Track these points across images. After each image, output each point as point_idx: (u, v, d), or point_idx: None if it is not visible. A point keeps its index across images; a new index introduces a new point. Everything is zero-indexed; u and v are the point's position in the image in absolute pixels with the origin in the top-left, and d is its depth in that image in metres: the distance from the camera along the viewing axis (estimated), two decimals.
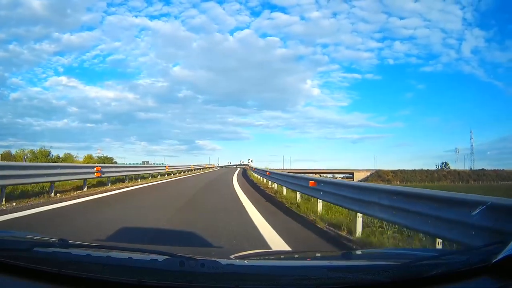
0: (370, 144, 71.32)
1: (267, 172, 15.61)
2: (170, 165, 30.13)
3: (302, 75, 75.79)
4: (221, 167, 68.39)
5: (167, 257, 1.23)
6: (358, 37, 56.92)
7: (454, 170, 69.38)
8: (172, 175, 26.33)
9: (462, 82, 56.24)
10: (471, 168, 69.20)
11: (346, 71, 72.47)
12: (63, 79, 74.92)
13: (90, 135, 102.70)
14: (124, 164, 31.64)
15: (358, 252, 3.05)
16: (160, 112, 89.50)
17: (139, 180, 17.42)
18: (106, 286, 1.15)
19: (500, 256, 1.19)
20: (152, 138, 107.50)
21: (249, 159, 39.95)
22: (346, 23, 56.48)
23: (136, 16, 63.00)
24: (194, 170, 39.99)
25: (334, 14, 56.89)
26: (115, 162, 45.80)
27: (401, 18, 51.34)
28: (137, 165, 31.42)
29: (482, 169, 68.53)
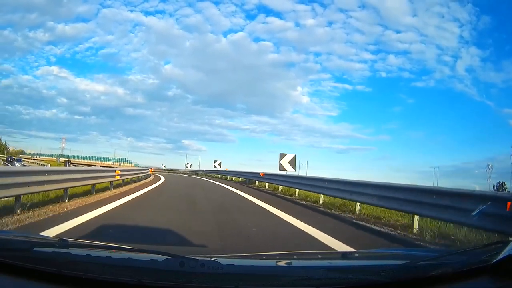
0: (355, 156, 70.94)
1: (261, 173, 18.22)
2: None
3: (292, 82, 75.58)
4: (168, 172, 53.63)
5: (167, 257, 1.23)
6: (352, 47, 56.37)
7: None
8: None
9: (453, 100, 55.92)
10: None
11: (337, 81, 71.78)
12: (55, 69, 72.28)
13: (77, 127, 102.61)
14: None
15: (358, 252, 3.05)
16: (149, 109, 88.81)
17: None
18: (106, 286, 1.14)
19: (500, 256, 1.19)
20: (139, 134, 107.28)
21: (215, 161, 33.28)
22: (341, 33, 55.87)
23: (132, 11, 62.37)
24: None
25: (330, 23, 56.30)
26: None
27: (397, 32, 50.81)
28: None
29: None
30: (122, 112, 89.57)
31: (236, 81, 75.72)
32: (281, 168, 16.87)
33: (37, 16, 75.17)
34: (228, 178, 26.83)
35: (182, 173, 49.87)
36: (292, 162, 17.04)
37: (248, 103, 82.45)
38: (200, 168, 49.27)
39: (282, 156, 17.02)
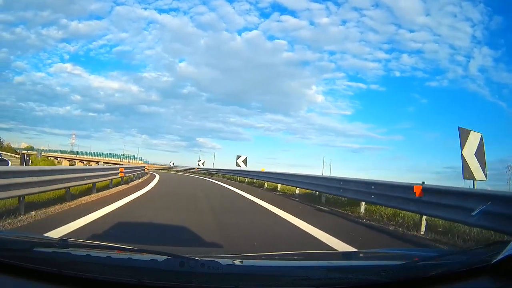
0: (369, 155, 70.50)
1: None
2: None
3: (307, 81, 75.30)
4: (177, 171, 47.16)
5: (167, 257, 1.23)
6: (366, 46, 56.09)
7: None
8: None
9: (466, 100, 55.39)
10: None
11: (351, 80, 71.62)
12: (68, 66, 73.64)
13: (91, 124, 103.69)
14: None
15: (358, 252, 3.05)
16: (163, 106, 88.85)
17: None
18: (106, 286, 1.14)
19: (500, 256, 1.19)
20: (153, 132, 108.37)
21: (238, 157, 24.14)
22: (355, 32, 55.62)
23: (145, 9, 62.71)
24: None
25: (344, 22, 56.12)
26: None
27: (411, 31, 50.42)
28: None
29: None
30: (136, 110, 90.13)
31: (251, 80, 75.90)
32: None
33: (50, 14, 75.87)
34: (265, 185, 16.65)
35: (191, 173, 39.45)
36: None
37: (263, 102, 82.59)
38: (216, 167, 37.15)
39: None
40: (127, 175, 14.37)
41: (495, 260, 1.20)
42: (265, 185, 16.80)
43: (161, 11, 68.64)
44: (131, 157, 69.03)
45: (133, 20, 70.10)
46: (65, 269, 1.18)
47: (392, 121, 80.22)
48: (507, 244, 1.25)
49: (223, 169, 30.30)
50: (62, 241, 1.45)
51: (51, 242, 1.56)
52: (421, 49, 56.17)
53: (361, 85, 66.02)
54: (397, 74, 56.91)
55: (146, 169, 22.64)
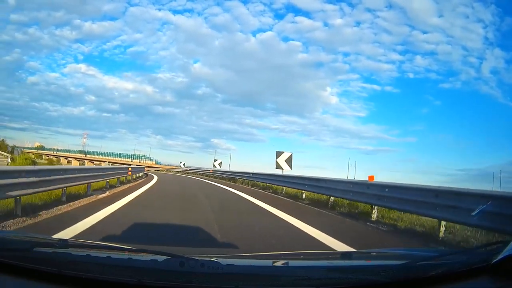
0: (382, 158, 70.23)
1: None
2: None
3: (322, 82, 75.29)
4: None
5: (167, 257, 1.23)
6: (380, 48, 56.07)
7: None
8: None
9: (479, 102, 55.23)
10: None
11: (366, 81, 71.49)
12: (82, 66, 74.60)
13: (105, 124, 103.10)
14: None
15: (358, 252, 3.05)
16: (178, 107, 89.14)
17: None
18: (106, 286, 1.14)
19: (500, 256, 1.19)
20: (168, 132, 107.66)
21: (279, 154, 14.65)
22: (369, 33, 55.58)
23: (159, 10, 63.28)
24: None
25: (358, 23, 56.14)
26: None
27: (424, 32, 50.34)
28: None
29: None
30: (151, 110, 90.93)
31: (265, 81, 76.05)
32: (278, 166, 16.27)
33: (64, 14, 77.22)
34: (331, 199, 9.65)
35: (205, 177, 29.49)
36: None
37: (278, 103, 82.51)
38: (232, 170, 27.83)
39: (279, 154, 16.40)
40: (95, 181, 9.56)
41: (495, 260, 1.20)
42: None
43: (175, 12, 69.27)
44: (142, 157, 68.67)
45: (147, 21, 71.24)
46: (65, 269, 1.18)
47: (406, 123, 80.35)
48: (507, 244, 1.25)
49: (253, 173, 19.34)
50: (62, 241, 1.46)
51: (51, 242, 1.56)
52: (434, 50, 56.44)
53: (375, 86, 66.60)
54: (411, 75, 57.15)
55: (146, 170, 21.09)
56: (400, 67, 59.09)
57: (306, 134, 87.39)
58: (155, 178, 20.36)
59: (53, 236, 4.73)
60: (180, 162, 52.82)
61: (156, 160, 65.99)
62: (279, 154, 16.55)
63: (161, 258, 1.23)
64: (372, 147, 77.63)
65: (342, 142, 79.38)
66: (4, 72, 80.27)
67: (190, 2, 66.99)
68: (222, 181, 23.41)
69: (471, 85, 54.51)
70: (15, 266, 1.20)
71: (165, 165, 61.28)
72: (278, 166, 16.42)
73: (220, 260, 1.28)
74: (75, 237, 4.39)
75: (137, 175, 18.98)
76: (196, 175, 33.86)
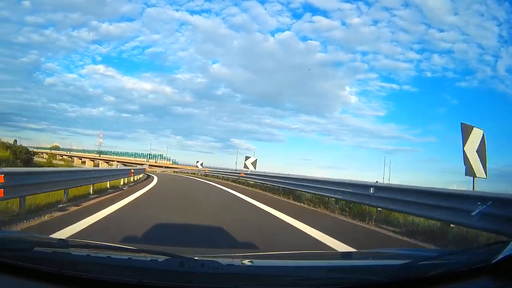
0: (402, 157, 69.56)
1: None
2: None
3: (341, 82, 75.00)
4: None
5: (167, 257, 1.23)
6: (398, 46, 55.81)
7: None
8: None
9: (495, 101, 54.96)
10: None
11: (384, 80, 70.52)
12: (100, 67, 75.09)
13: (124, 125, 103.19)
14: None
15: (358, 252, 3.05)
16: (197, 108, 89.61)
17: None
18: (106, 286, 1.14)
19: (500, 256, 1.19)
20: (187, 133, 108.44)
21: (197, 162, 22.06)
22: (386, 32, 55.43)
23: (177, 10, 63.38)
24: None
25: (375, 22, 55.99)
26: None
27: (440, 31, 50.18)
28: None
29: None
30: (170, 111, 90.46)
31: (284, 81, 76.17)
32: (245, 166, 22.59)
33: (80, 16, 78.06)
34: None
35: (230, 182, 22.48)
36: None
37: (297, 103, 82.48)
38: (259, 172, 21.61)
39: (247, 158, 22.92)
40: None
41: (495, 260, 1.20)
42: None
43: (192, 12, 69.23)
44: (159, 157, 67.60)
45: (165, 21, 70.99)
46: (65, 269, 1.18)
47: (425, 122, 79.90)
48: (507, 244, 1.25)
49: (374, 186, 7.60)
50: (62, 241, 1.46)
51: (51, 242, 1.56)
52: (451, 49, 55.93)
53: (394, 85, 66.28)
54: (429, 74, 56.79)
55: (146, 171, 20.23)
56: (417, 66, 58.77)
57: (325, 134, 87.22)
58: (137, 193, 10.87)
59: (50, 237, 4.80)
60: (197, 162, 43.48)
61: (173, 160, 65.04)
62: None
63: (161, 258, 1.23)
64: (391, 147, 77.18)
65: (361, 141, 79.32)
66: (21, 73, 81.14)
67: (208, 2, 67.45)
68: (264, 193, 14.37)
69: (487, 84, 54.08)
70: (15, 266, 1.20)
71: (182, 165, 59.77)
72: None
73: (220, 260, 1.28)
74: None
75: (124, 181, 13.91)
76: (216, 180, 24.97)
